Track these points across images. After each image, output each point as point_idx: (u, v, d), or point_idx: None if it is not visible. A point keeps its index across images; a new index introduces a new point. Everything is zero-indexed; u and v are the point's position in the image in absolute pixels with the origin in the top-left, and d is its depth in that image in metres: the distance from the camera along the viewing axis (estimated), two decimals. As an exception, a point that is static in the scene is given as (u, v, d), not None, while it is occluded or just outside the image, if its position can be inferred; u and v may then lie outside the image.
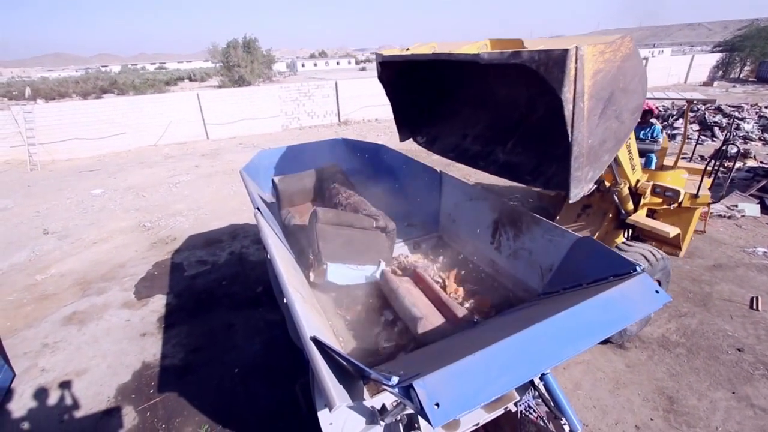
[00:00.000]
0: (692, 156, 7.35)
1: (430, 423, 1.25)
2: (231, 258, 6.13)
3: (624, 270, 2.03)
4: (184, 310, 4.92)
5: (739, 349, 3.89)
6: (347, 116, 17.57)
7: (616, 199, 4.45)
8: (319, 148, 5.30)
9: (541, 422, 2.57)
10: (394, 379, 1.37)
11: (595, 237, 4.46)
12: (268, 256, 2.58)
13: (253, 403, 3.51)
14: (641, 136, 5.53)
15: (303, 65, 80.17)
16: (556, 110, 1.97)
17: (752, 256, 5.58)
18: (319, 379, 1.51)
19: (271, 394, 3.57)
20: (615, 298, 1.76)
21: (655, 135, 5.49)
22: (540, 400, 2.47)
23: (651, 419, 3.21)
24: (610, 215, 4.68)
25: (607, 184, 4.44)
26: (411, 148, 13.44)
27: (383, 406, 1.99)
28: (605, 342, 3.96)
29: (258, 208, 3.23)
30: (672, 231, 4.34)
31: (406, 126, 3.71)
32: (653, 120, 6.12)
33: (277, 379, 3.72)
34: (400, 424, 1.97)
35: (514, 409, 2.43)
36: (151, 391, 3.74)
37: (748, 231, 6.36)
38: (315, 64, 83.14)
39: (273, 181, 4.15)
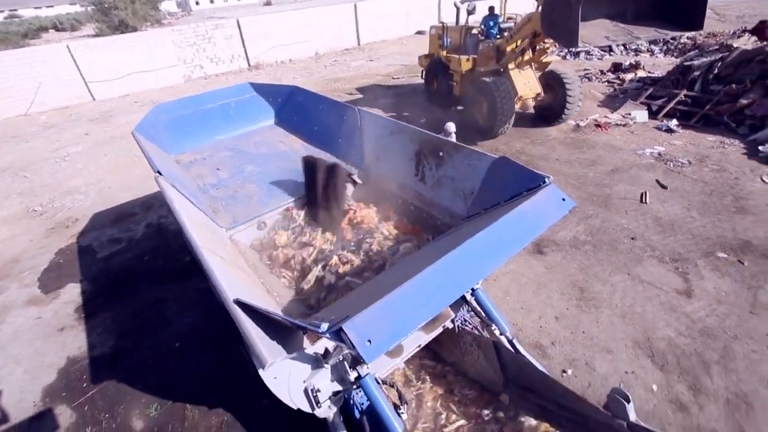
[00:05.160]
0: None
1: (363, 360, 1.27)
2: (149, 231, 5.58)
3: (535, 183, 2.14)
4: (103, 295, 4.48)
5: (632, 238, 4.54)
6: (257, 59, 15.96)
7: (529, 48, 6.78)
8: (224, 96, 4.75)
9: (476, 332, 2.82)
10: (324, 326, 1.35)
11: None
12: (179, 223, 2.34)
13: (199, 372, 3.43)
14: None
15: (198, 3, 69.72)
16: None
17: (641, 158, 6.34)
18: (248, 341, 1.45)
19: (217, 359, 3.49)
20: (527, 211, 1.86)
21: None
22: (473, 313, 2.69)
23: (567, 309, 3.71)
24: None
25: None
26: (330, 88, 12.68)
27: (326, 350, 2.01)
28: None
29: (159, 171, 2.87)
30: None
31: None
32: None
33: (220, 343, 3.63)
34: (345, 363, 2.02)
35: (451, 326, 2.63)
36: (84, 385, 3.47)
37: (638, 135, 7.15)
38: (212, 1, 72.74)
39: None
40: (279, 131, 4.72)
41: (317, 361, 2.00)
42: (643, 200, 5.20)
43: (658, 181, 5.62)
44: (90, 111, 12.09)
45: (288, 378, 1.94)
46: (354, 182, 3.51)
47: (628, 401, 1.94)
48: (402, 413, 2.02)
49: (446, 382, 2.74)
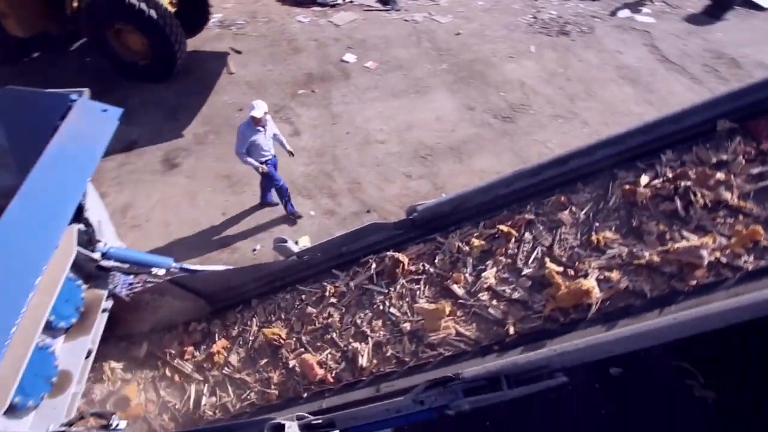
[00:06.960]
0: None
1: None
2: None
3: (65, 105, 1.69)
4: None
5: (240, 110, 4.81)
6: None
7: None
8: None
9: (150, 284, 2.52)
10: None
11: None
12: None
13: None
14: None
15: None
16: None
17: (208, 29, 6.28)
18: None
19: None
20: (66, 140, 1.48)
21: None
22: (132, 274, 2.33)
23: (226, 200, 3.85)
24: None
25: None
26: None
27: None
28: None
29: None
30: None
31: None
32: None
33: None
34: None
35: (112, 303, 2.21)
36: None
37: None
38: None
39: None
40: None
41: None
42: (230, 71, 5.43)
43: (232, 48, 5.89)
44: None
45: None
46: None
47: (286, 241, 2.33)
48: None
49: (155, 355, 2.47)
